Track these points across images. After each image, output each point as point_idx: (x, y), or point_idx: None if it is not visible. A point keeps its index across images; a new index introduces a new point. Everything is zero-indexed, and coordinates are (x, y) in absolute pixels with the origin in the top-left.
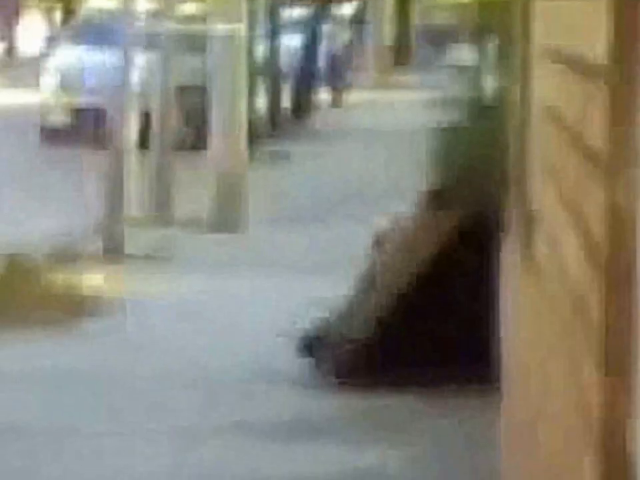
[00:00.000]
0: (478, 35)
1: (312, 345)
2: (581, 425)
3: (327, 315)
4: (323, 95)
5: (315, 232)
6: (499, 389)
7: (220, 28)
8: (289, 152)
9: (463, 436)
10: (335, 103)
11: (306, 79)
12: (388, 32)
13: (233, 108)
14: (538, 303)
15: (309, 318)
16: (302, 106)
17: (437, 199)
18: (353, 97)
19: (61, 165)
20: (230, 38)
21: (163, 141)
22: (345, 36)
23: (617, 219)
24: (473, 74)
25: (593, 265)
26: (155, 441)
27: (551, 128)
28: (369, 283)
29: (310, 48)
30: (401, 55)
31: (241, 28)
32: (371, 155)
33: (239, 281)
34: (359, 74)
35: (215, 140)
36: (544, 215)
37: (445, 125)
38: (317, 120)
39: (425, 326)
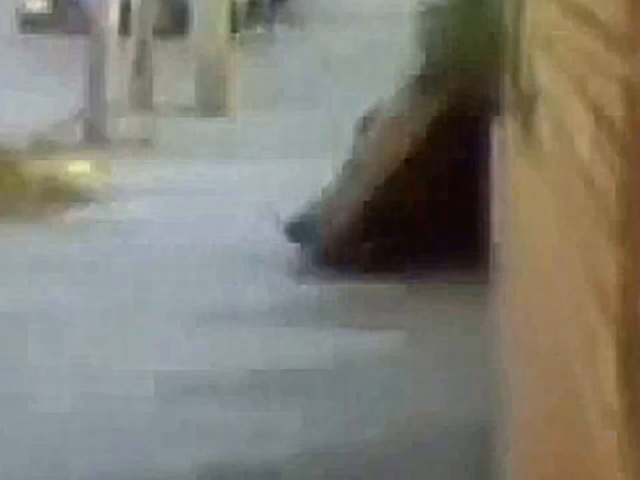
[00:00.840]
0: None
1: (300, 229)
2: (595, 298)
3: (315, 199)
4: None
5: (300, 115)
6: (488, 273)
7: None
8: (272, 35)
9: (454, 319)
10: None
11: None
12: None
13: None
14: (540, 185)
15: (296, 202)
16: None
17: (426, 82)
18: None
19: (40, 53)
20: None
21: (143, 25)
22: None
23: (636, 97)
24: None
25: (607, 144)
26: (144, 326)
27: None
28: (354, 167)
29: None
30: None
31: None
32: (355, 37)
33: (225, 164)
34: None
35: (197, 24)
36: (546, 94)
37: (431, 6)
38: (298, 2)
39: (413, 211)
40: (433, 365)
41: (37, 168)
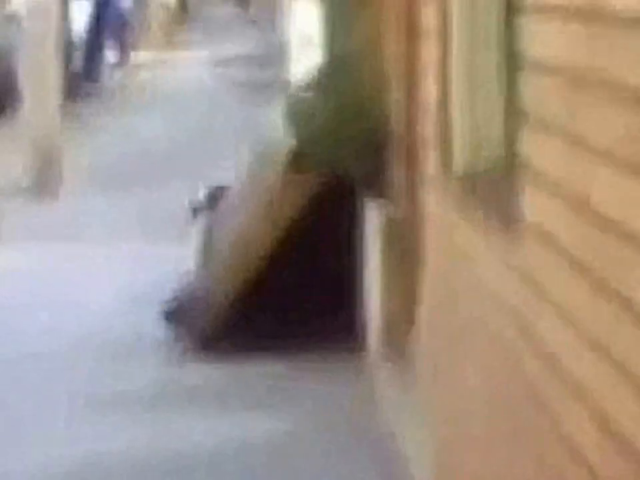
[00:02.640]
0: None
1: (174, 314)
2: None
3: (184, 281)
4: (111, 56)
5: (132, 198)
6: (363, 351)
7: None
8: (97, 116)
9: (338, 397)
10: (123, 63)
11: (95, 42)
12: None
13: (43, 73)
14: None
15: (166, 285)
16: (93, 68)
17: (295, 161)
18: (140, 56)
19: None
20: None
21: None
22: None
23: None
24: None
25: None
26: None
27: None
28: (219, 248)
29: (99, 11)
30: (181, 14)
31: None
32: (173, 115)
33: (61, 250)
34: (143, 34)
35: (27, 104)
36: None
37: (303, 83)
38: (113, 81)
39: (288, 291)
40: (322, 445)
41: None
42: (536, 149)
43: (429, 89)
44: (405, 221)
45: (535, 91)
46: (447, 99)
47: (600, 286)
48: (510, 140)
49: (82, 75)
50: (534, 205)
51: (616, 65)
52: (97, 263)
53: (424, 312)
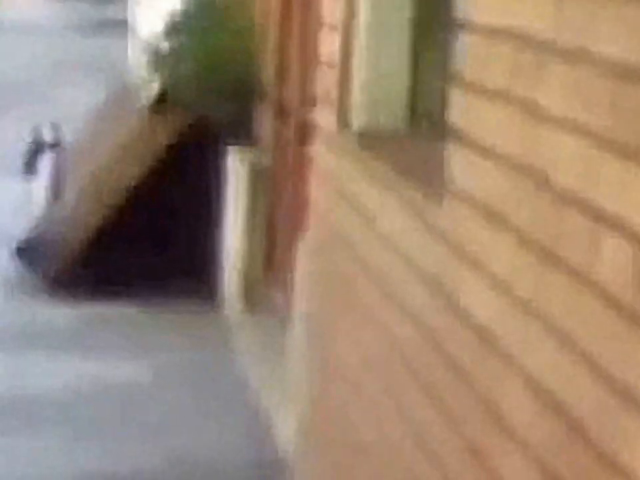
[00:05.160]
0: None
1: (26, 252)
2: None
3: (37, 220)
4: None
5: None
6: (218, 299)
7: None
8: None
9: (191, 343)
10: None
11: None
12: None
13: None
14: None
15: (14, 222)
16: None
17: (158, 103)
18: None
19: None
20: None
21: None
22: None
23: None
24: None
25: None
26: None
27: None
28: (62, 186)
29: None
30: None
31: None
32: (11, 50)
33: None
34: None
35: None
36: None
37: (171, 24)
38: None
39: (143, 236)
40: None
41: None
42: (472, 112)
43: (326, 41)
44: (271, 171)
45: (472, 51)
46: (349, 51)
47: (530, 249)
48: (425, 98)
49: None
50: (466, 170)
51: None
52: None
53: (302, 268)
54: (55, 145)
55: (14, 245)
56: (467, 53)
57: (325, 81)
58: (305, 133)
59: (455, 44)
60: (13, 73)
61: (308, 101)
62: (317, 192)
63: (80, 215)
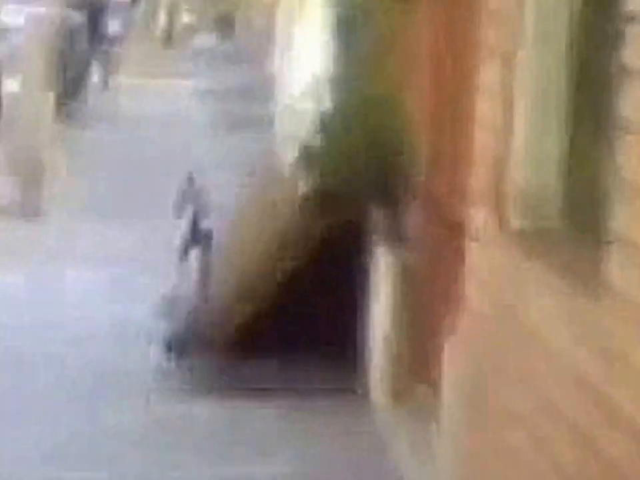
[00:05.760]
0: None
1: (176, 347)
2: None
3: (186, 313)
4: (94, 78)
5: (120, 224)
6: (366, 395)
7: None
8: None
9: (338, 440)
10: (105, 86)
11: (84, 62)
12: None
13: (33, 90)
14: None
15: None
16: (79, 89)
17: (308, 200)
18: (121, 80)
19: None
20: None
21: None
22: (116, 20)
23: None
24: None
25: None
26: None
27: None
28: (213, 281)
29: (90, 31)
30: (165, 42)
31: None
32: (157, 140)
33: (50, 272)
34: (127, 58)
35: (17, 122)
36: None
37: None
38: (97, 103)
39: (291, 333)
40: None
41: None
42: (637, 218)
43: (480, 139)
44: (419, 267)
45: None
46: (504, 152)
47: None
48: (581, 197)
49: (68, 95)
50: (626, 271)
51: None
52: (78, 287)
53: (453, 369)
54: (203, 245)
55: (164, 339)
56: (630, 154)
57: (479, 179)
58: (456, 230)
59: (616, 145)
60: (162, 161)
61: (460, 197)
62: (469, 290)
63: (228, 311)
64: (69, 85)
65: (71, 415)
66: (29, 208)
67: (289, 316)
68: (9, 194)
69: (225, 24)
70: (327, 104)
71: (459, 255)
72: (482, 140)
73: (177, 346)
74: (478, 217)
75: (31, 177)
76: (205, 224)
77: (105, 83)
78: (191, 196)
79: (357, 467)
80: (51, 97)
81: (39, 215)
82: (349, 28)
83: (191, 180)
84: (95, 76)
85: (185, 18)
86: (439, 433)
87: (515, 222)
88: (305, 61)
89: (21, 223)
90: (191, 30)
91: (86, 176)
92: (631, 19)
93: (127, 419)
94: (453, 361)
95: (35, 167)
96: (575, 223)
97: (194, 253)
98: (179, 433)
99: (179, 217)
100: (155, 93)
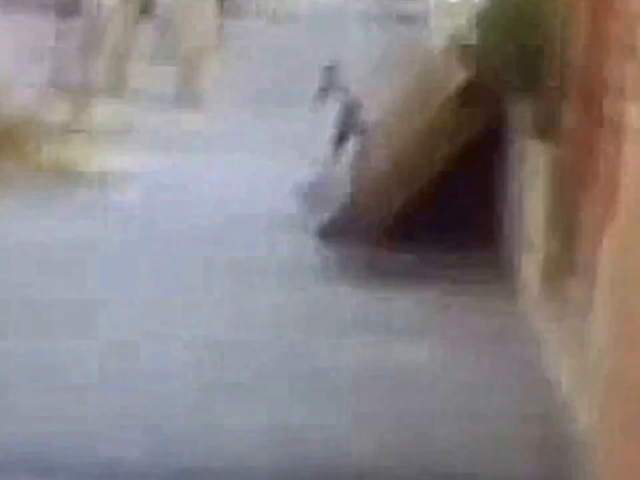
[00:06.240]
0: None
1: (330, 235)
2: None
3: (339, 201)
4: None
5: (277, 112)
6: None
7: None
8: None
9: (486, 332)
10: None
11: None
12: None
13: None
14: None
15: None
16: None
17: (463, 94)
18: None
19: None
20: None
21: (125, 8)
22: None
23: None
24: None
25: None
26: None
27: None
28: (367, 170)
29: None
30: None
31: None
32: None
33: (213, 157)
34: None
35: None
36: None
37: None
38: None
39: (439, 221)
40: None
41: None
42: None
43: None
44: (573, 165)
45: None
46: None
47: None
48: None
49: None
50: None
51: None
52: (238, 170)
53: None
54: (361, 127)
55: (318, 226)
56: None
57: (635, 74)
58: (611, 126)
59: None
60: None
61: (617, 92)
62: (625, 188)
63: (382, 200)
64: None
65: (227, 293)
66: (188, 97)
67: (440, 206)
68: (170, 83)
69: None
70: None
71: (614, 152)
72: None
73: (329, 233)
74: (636, 114)
75: (190, 67)
76: (359, 113)
77: None
78: (341, 86)
79: (505, 359)
80: None
81: (198, 104)
82: None
83: (335, 68)
84: None
85: None
86: (592, 326)
87: None
88: None
89: (181, 111)
90: None
91: (243, 66)
92: None
93: (278, 302)
94: (608, 256)
95: (194, 57)
96: None
97: (349, 142)
98: (327, 317)
99: (322, 103)
100: None
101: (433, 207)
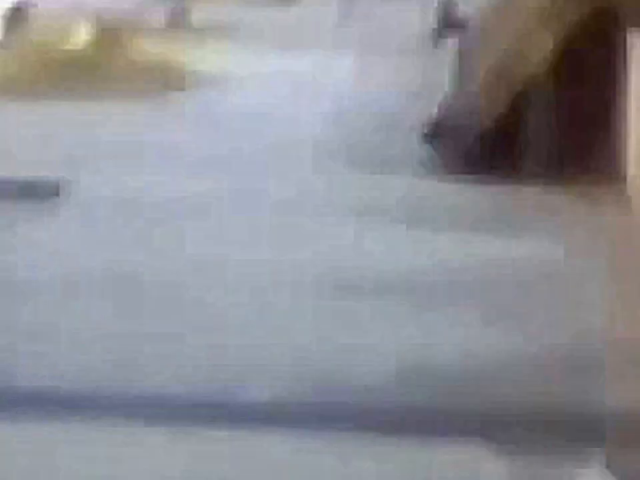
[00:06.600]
0: None
1: (433, 134)
2: None
3: (439, 103)
4: None
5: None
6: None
7: None
8: None
9: (594, 229)
10: None
11: None
12: None
13: None
14: None
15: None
16: None
17: None
18: None
19: None
20: None
21: None
22: None
23: None
24: None
25: None
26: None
27: None
28: (465, 70)
29: None
30: None
31: None
32: None
33: (303, 54)
34: None
35: None
36: None
37: None
38: None
39: (544, 121)
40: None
41: (131, 50)
42: None
43: None
44: None
45: None
46: None
47: None
48: None
49: None
50: None
51: None
52: (337, 72)
53: None
54: (461, 25)
55: (422, 129)
56: None
57: None
58: None
59: None
60: None
61: None
62: None
63: (483, 100)
64: None
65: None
66: None
67: (543, 103)
68: None
69: None
70: None
71: None
72: None
73: (435, 132)
74: None
75: None
76: (458, 11)
77: None
78: None
79: (610, 256)
80: None
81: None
82: None
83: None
84: None
85: None
86: None
87: None
88: None
89: (275, 8)
90: None
91: None
92: None
93: (389, 195)
94: None
95: None
96: None
97: (448, 40)
98: (434, 211)
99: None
100: None
101: (538, 105)
